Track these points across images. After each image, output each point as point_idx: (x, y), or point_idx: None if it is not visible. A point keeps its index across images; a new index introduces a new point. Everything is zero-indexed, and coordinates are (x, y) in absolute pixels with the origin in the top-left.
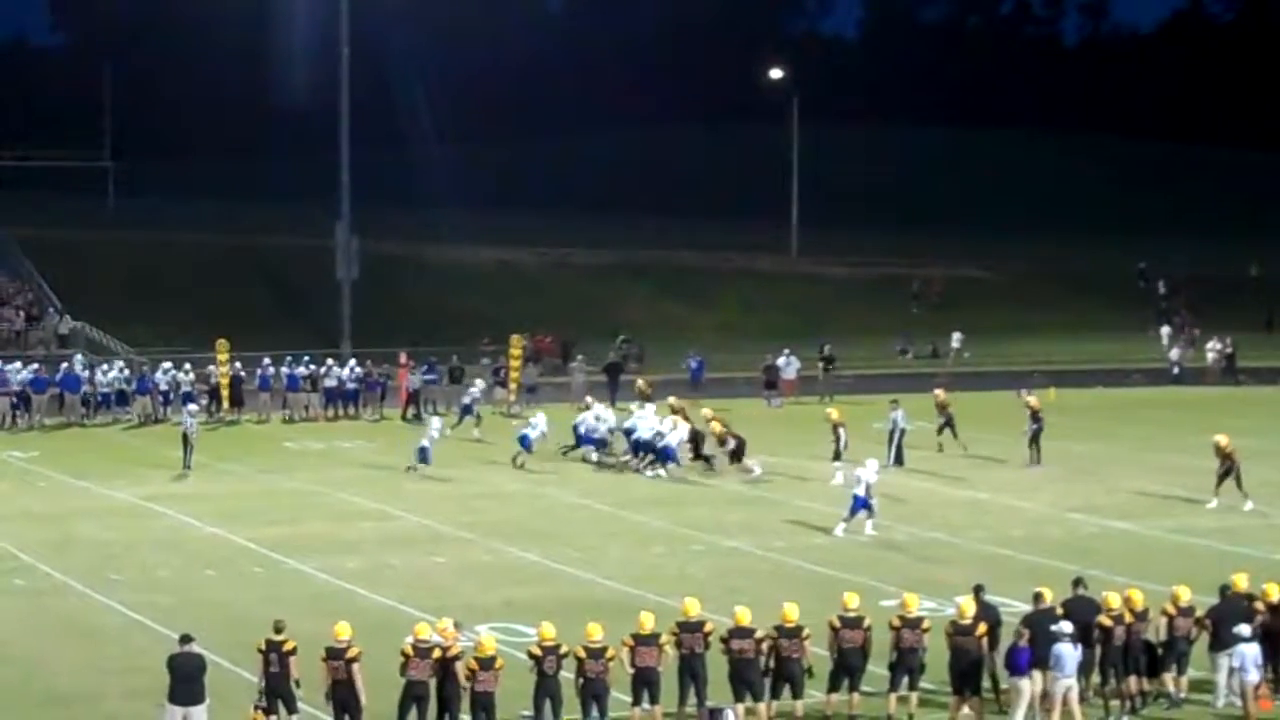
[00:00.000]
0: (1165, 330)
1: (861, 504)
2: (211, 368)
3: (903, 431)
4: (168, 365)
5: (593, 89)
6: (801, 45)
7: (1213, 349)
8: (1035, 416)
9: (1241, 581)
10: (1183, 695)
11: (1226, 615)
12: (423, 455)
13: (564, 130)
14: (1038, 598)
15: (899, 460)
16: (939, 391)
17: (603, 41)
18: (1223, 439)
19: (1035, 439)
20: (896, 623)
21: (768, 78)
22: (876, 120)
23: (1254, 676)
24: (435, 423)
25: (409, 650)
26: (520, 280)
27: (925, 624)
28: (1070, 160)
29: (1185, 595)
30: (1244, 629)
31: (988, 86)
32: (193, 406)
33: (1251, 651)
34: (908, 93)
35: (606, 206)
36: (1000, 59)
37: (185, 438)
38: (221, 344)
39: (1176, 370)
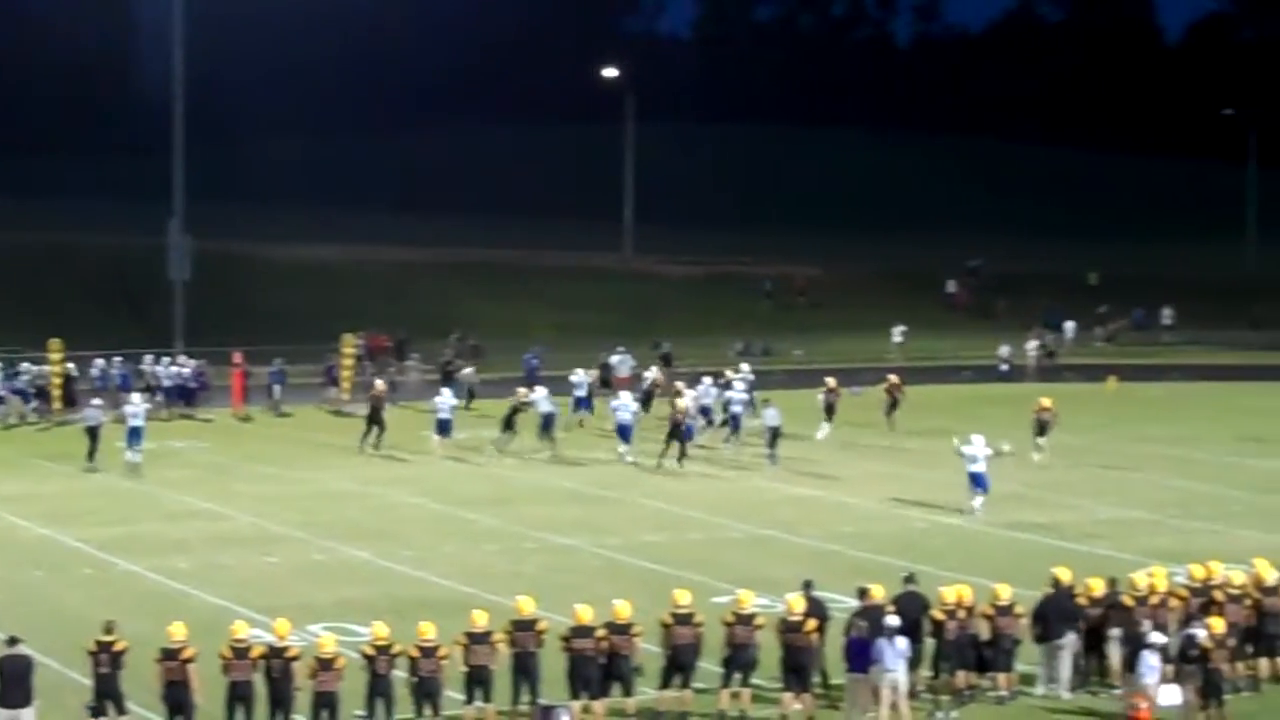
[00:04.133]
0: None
1: (978, 481)
2: (36, 367)
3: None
4: None
5: (430, 87)
6: (636, 44)
7: (1032, 346)
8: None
9: (1065, 575)
10: (1011, 691)
11: (1052, 609)
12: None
13: (400, 128)
14: (863, 593)
15: None
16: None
17: (439, 39)
18: (1046, 400)
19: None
20: (730, 619)
21: (602, 76)
22: (712, 119)
23: (1152, 680)
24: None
25: (227, 652)
26: (358, 278)
27: (759, 620)
28: (902, 159)
29: (1005, 594)
30: (1156, 636)
31: (822, 85)
32: (98, 401)
33: (1155, 659)
34: (743, 92)
35: (443, 205)
36: (834, 58)
37: (93, 432)
38: (54, 343)
39: (1005, 367)
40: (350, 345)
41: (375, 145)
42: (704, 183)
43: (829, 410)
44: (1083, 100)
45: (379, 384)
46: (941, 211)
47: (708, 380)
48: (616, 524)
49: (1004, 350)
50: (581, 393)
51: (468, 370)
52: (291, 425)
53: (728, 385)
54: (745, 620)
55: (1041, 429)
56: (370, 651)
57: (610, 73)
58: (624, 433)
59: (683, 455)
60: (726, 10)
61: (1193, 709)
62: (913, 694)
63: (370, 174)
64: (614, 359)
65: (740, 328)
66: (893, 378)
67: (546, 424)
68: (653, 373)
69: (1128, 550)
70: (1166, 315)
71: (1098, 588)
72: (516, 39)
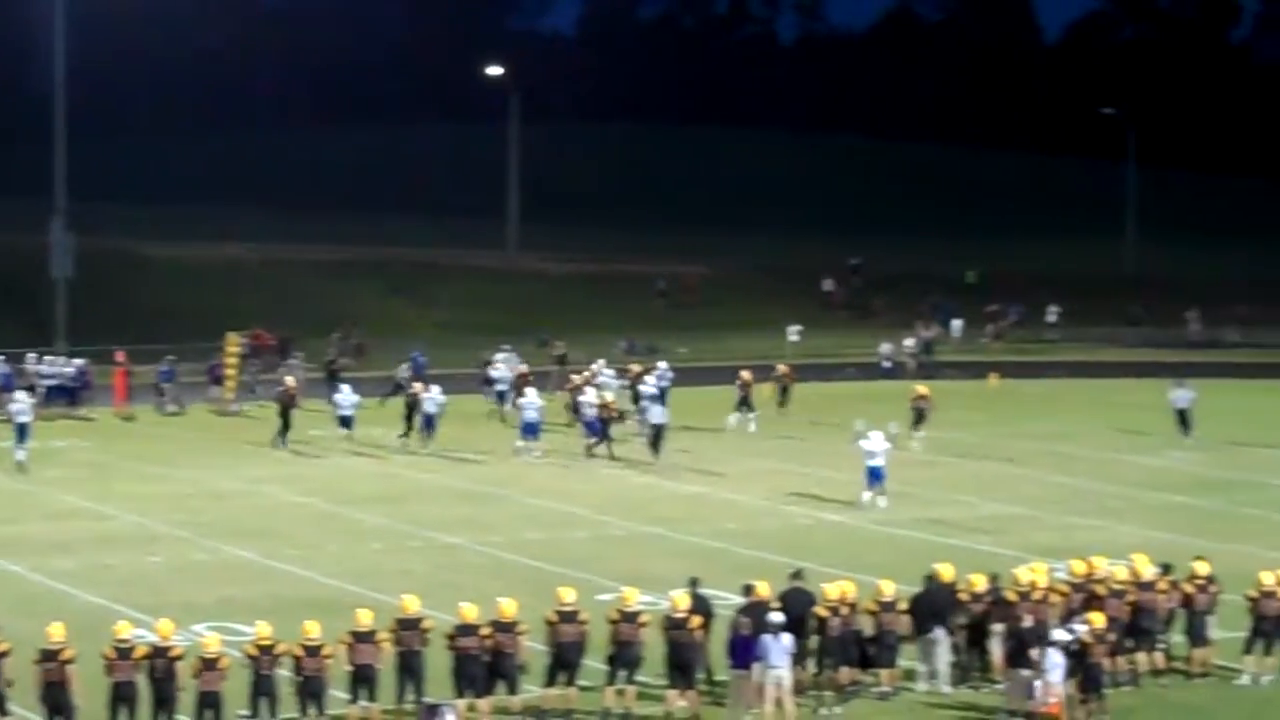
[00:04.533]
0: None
1: (876, 475)
2: None
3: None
4: None
5: (314, 86)
6: (520, 42)
7: (909, 345)
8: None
9: (947, 572)
10: (894, 687)
11: (926, 605)
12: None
13: (287, 126)
14: (749, 590)
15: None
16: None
17: (325, 38)
18: (922, 388)
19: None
20: (615, 616)
21: (487, 75)
22: (596, 117)
23: (1056, 677)
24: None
25: (110, 652)
26: (242, 277)
27: (643, 618)
28: (786, 157)
29: (888, 590)
30: (1060, 634)
31: (706, 84)
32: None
33: (1058, 655)
34: (628, 90)
35: (329, 203)
36: (717, 57)
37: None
38: None
39: (888, 364)
40: (234, 344)
41: (260, 143)
42: (589, 181)
43: (743, 403)
44: (963, 99)
45: (290, 380)
46: (826, 210)
47: (609, 372)
48: (502, 522)
49: (885, 348)
50: (503, 388)
51: (403, 367)
52: (176, 424)
53: (639, 379)
54: (630, 618)
55: (919, 417)
56: (254, 651)
57: (495, 71)
58: (530, 429)
59: (591, 452)
60: (610, 8)
61: (1073, 703)
62: (799, 690)
63: (256, 172)
64: (498, 357)
65: (627, 326)
66: (782, 367)
67: (428, 423)
68: (598, 365)
69: (1009, 546)
70: (1051, 312)
71: (980, 583)
72: (400, 37)
